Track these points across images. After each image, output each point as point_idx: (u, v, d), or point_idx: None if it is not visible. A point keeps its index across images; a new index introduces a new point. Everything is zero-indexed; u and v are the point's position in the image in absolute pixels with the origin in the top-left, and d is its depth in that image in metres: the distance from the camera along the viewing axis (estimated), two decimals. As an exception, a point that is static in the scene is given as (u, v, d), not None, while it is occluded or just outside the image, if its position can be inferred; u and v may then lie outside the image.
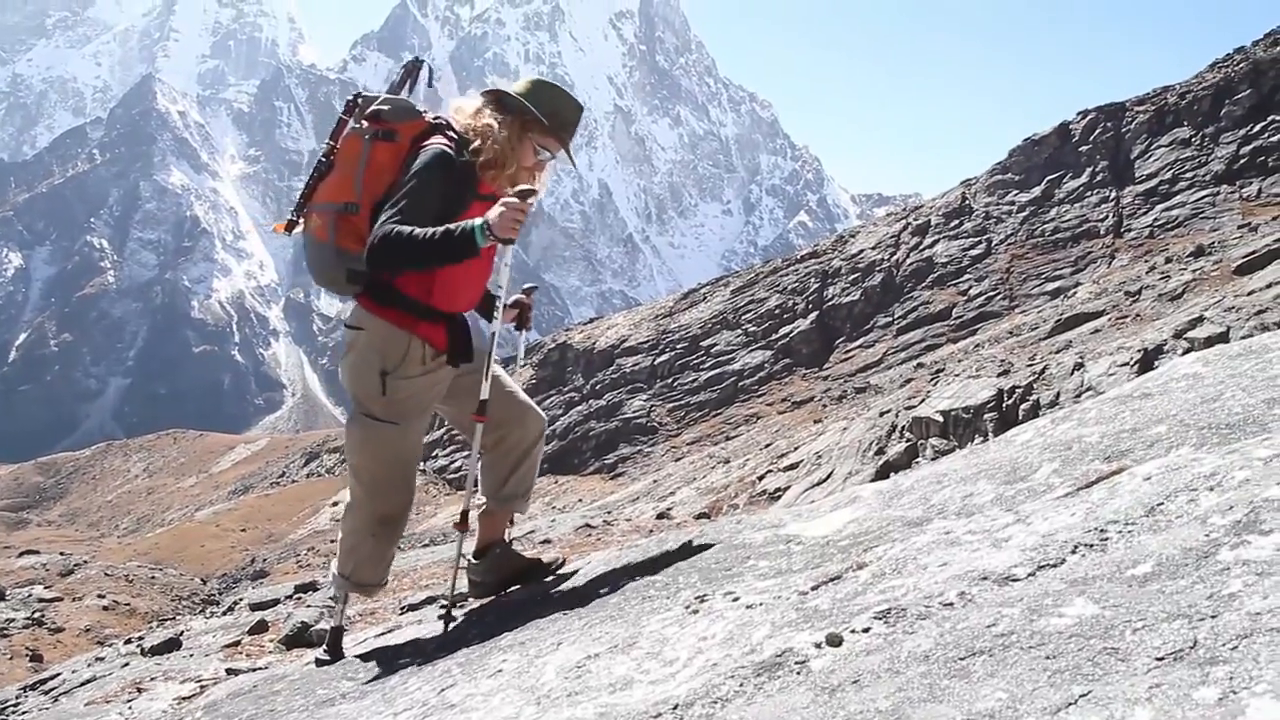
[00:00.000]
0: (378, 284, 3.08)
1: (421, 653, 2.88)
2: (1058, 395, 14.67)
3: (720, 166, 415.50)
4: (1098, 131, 33.03)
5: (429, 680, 2.31)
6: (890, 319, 32.76)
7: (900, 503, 2.35)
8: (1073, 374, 15.13)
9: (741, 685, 1.19)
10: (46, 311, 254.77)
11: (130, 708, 3.90)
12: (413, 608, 5.62)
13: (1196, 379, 2.44)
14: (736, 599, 1.68)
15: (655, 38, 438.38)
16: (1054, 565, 1.16)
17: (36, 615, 13.93)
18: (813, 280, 36.61)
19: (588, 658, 1.64)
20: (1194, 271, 20.20)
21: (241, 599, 8.17)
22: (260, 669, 4.22)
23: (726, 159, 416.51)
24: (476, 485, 3.50)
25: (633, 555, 3.16)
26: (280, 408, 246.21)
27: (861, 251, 36.81)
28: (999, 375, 17.15)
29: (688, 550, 2.77)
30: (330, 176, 3.18)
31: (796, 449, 21.21)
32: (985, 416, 14.98)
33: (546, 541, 11.22)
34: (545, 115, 3.11)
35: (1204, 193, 27.97)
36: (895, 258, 35.27)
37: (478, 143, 3.06)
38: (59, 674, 5.86)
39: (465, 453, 42.30)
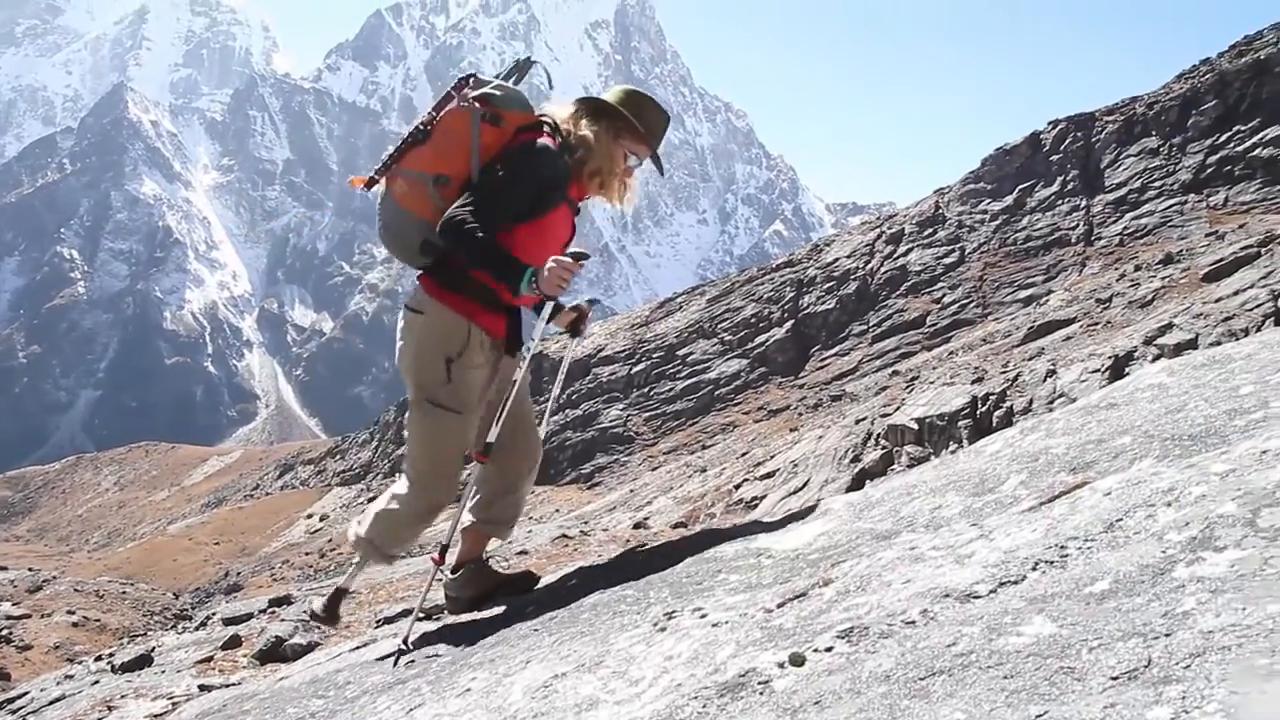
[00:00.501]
0: (446, 264, 3.09)
1: (394, 670, 2.85)
2: (1031, 402, 14.78)
3: (696, 176, 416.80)
4: (1068, 141, 33.43)
5: (399, 699, 2.29)
6: (865, 327, 32.94)
7: (870, 514, 2.36)
8: (1045, 381, 15.25)
9: (704, 706, 1.19)
10: (15, 323, 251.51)
11: (99, 727, 3.85)
12: (388, 620, 5.57)
13: (1162, 389, 2.47)
14: (704, 616, 1.68)
15: (631, 47, 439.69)
16: (1015, 582, 1.16)
17: (4, 633, 13.68)
18: (788, 289, 36.76)
19: (555, 677, 1.63)
20: (1163, 279, 20.44)
21: (214, 613, 8.06)
22: (233, 685, 4.17)
23: (702, 168, 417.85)
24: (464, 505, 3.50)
25: (606, 568, 3.15)
26: (254, 419, 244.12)
27: (836, 260, 37.01)
28: (973, 382, 17.26)
29: (660, 562, 2.76)
30: (425, 146, 3.16)
31: (773, 457, 21.24)
32: (960, 424, 15.06)
33: (523, 552, 11.18)
34: (638, 121, 3.15)
35: (1172, 201, 28.36)
36: (870, 266, 35.49)
37: (581, 152, 3.10)
38: (27, 693, 5.75)
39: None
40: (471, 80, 3.24)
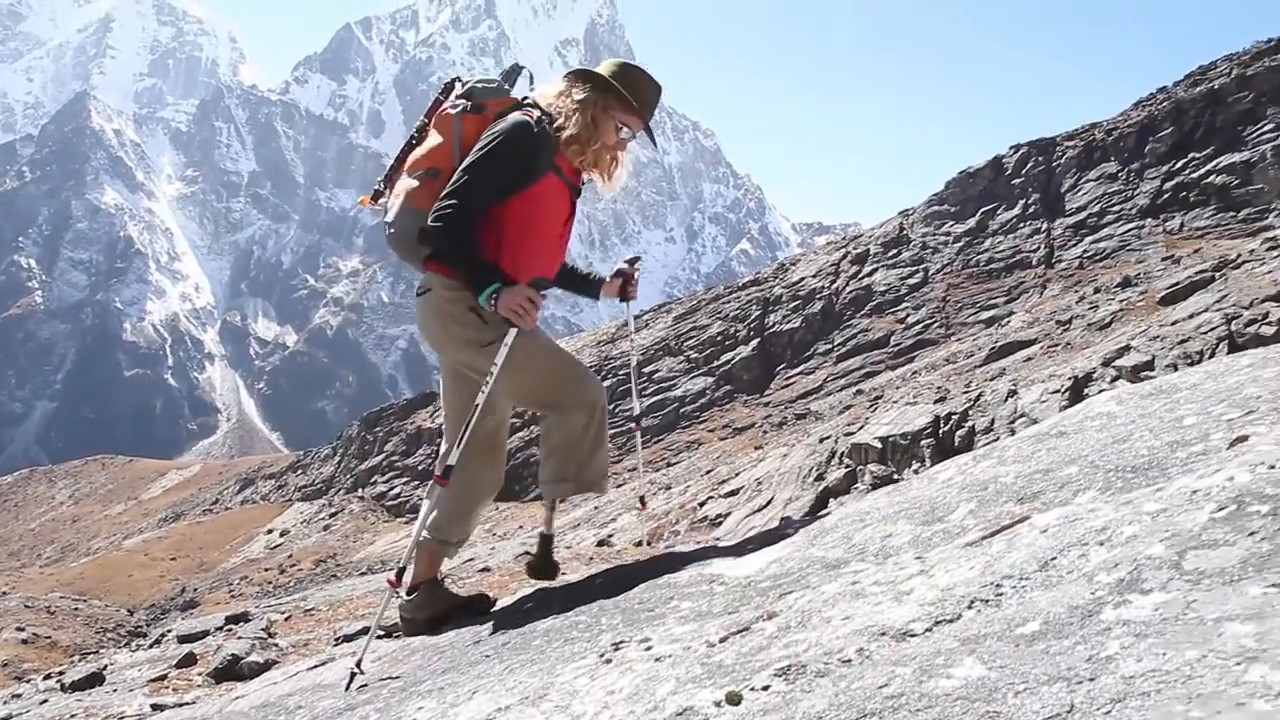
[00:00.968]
0: None
1: (345, 696, 2.82)
2: (992, 422, 14.95)
3: (663, 194, 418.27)
4: (1029, 165, 34.00)
5: (346, 727, 2.26)
6: (830, 346, 33.18)
7: (823, 541, 2.37)
8: (1006, 401, 15.44)
9: (641, 745, 1.18)
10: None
11: (42, 751, 3.76)
12: (347, 638, 5.50)
13: (1110, 419, 2.50)
14: (649, 649, 1.68)
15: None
16: (950, 621, 1.17)
17: (-51, 651, 13.35)
18: (754, 307, 36.96)
19: (499, 710, 1.61)
20: (1121, 302, 20.81)
21: (170, 630, 7.90)
22: (186, 704, 4.09)
23: (670, 186, 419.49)
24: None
25: (564, 591, 3.14)
26: (215, 432, 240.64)
27: (802, 279, 37.28)
28: (936, 402, 17.43)
29: (616, 587, 2.76)
30: (419, 148, 3.29)
31: (737, 475, 21.30)
32: (923, 443, 15.20)
33: (486, 569, 11.13)
34: (627, 92, 3.14)
35: (1130, 226, 28.91)
36: (835, 286, 35.79)
37: (560, 120, 3.10)
38: (-31, 714, 5.60)
39: (404, 478, 41.85)
40: (456, 83, 3.36)
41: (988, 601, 1.18)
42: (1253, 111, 28.07)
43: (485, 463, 3.39)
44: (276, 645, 5.54)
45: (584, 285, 3.58)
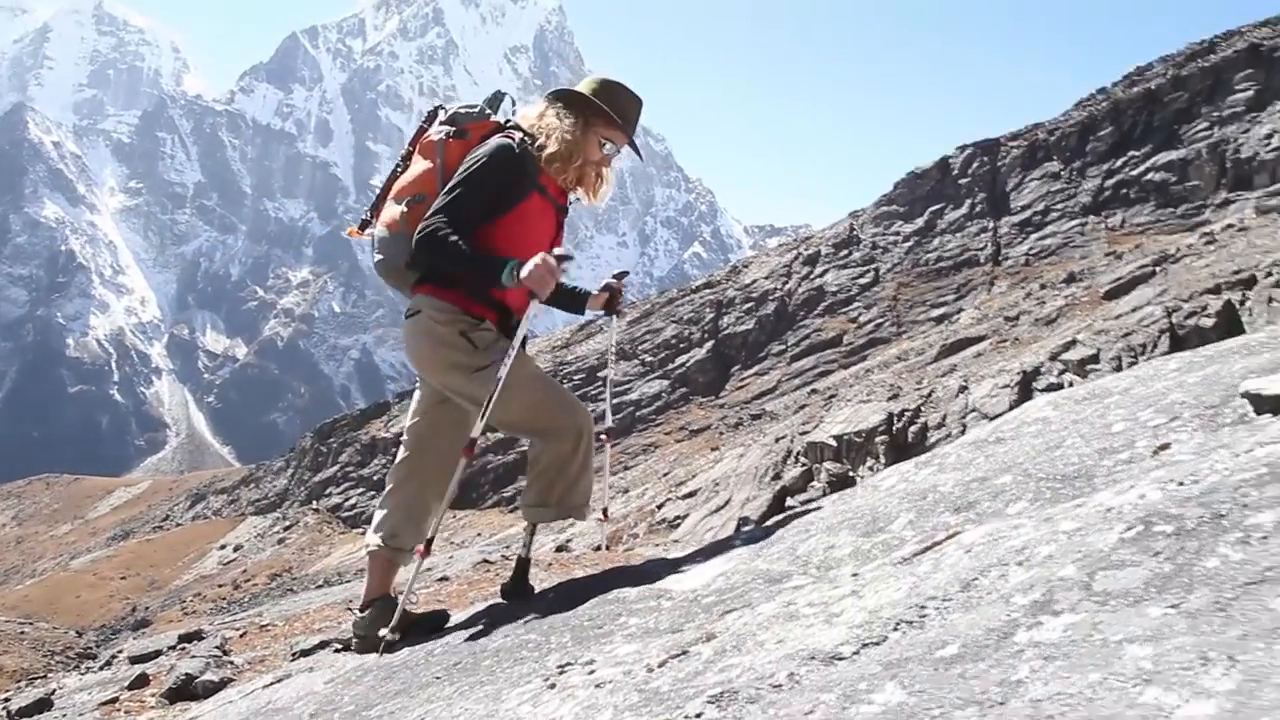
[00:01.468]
0: (435, 271, 3.13)
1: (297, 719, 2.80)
2: (944, 417, 15.21)
3: (615, 199, 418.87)
4: (975, 165, 34.60)
5: (295, 755, 2.24)
6: (784, 347, 33.45)
7: (769, 553, 2.40)
8: (958, 396, 15.72)
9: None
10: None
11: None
12: (305, 653, 5.43)
13: (1045, 424, 2.57)
14: (592, 672, 1.70)
15: (549, 72, 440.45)
16: (876, 644, 1.20)
17: (-112, 683, 12.95)
18: (708, 310, 37.14)
19: (444, 740, 1.63)
20: (1066, 297, 21.25)
21: (121, 651, 7.72)
22: None
23: (621, 191, 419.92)
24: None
25: (517, 605, 3.15)
26: (163, 448, 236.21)
27: (755, 281, 37.55)
28: (889, 399, 17.66)
29: (567, 602, 2.77)
30: (404, 175, 3.30)
31: (694, 477, 21.39)
32: (877, 440, 15.42)
33: (444, 579, 11.02)
34: (608, 108, 3.17)
35: (1073, 223, 29.55)
36: (787, 287, 36.09)
37: (542, 139, 3.12)
38: (-93, 748, 5.45)
39: (360, 489, 41.43)
40: (439, 111, 3.39)
41: (912, 623, 1.21)
42: (1188, 110, 28.85)
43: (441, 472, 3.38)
44: (232, 663, 5.46)
45: (569, 300, 3.58)
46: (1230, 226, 19.38)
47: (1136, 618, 0.96)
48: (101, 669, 7.56)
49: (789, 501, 15.06)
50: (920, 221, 34.80)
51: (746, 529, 3.04)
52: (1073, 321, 18.65)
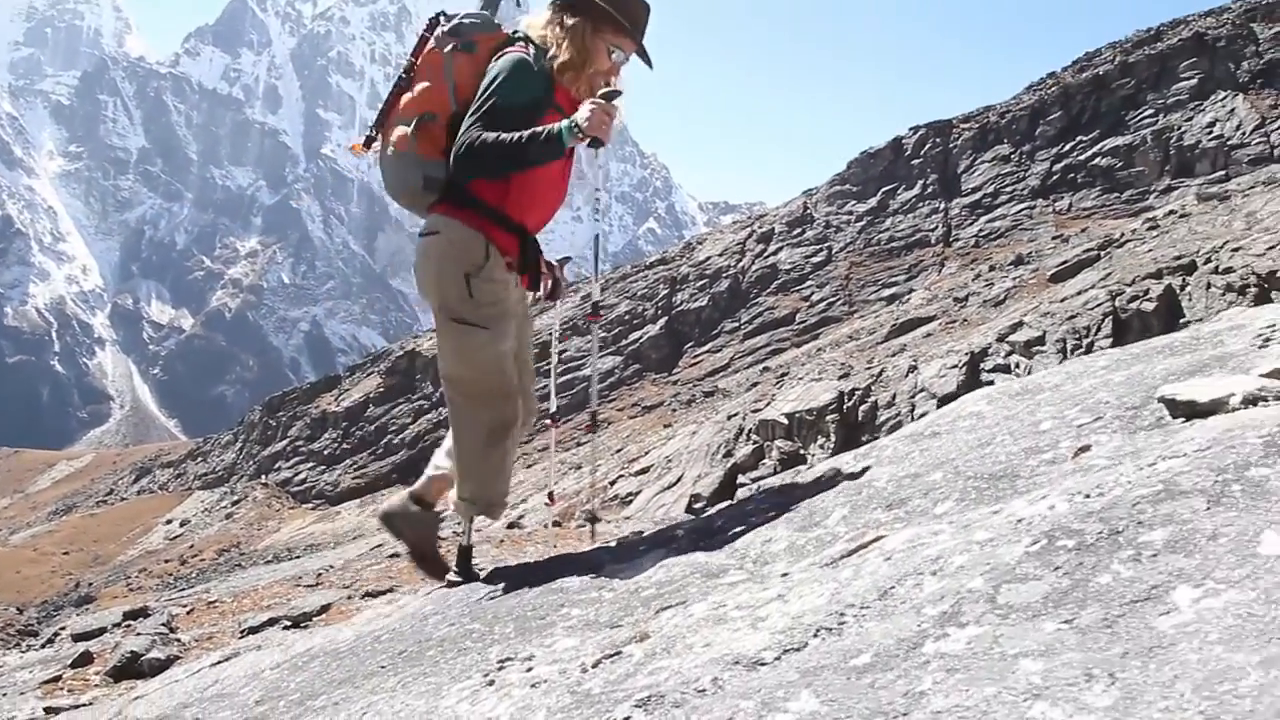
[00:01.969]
0: (453, 189, 3.06)
1: (242, 707, 2.80)
2: (894, 397, 15.42)
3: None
4: (928, 146, 34.92)
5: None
6: (737, 324, 33.64)
7: (710, 543, 2.46)
8: (907, 376, 15.94)
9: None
10: None
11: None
12: (253, 630, 5.40)
13: (979, 419, 2.65)
14: (530, 669, 1.74)
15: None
16: (797, 650, 1.25)
17: None
18: (662, 286, 37.19)
19: (383, 737, 1.66)
20: (1014, 279, 21.60)
21: (64, 628, 7.59)
22: (84, 705, 3.99)
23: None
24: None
25: (462, 594, 3.16)
26: (107, 421, 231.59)
27: (709, 258, 37.64)
28: (840, 378, 17.83)
29: (513, 589, 2.81)
30: (409, 91, 3.18)
31: (647, 454, 21.47)
32: (828, 418, 15.59)
33: (395, 555, 11.00)
34: (616, 12, 3.09)
35: (1022, 206, 30.02)
36: (741, 264, 36.25)
37: (553, 49, 3.05)
38: None
39: (310, 463, 41.00)
40: (441, 18, 3.25)
41: (831, 630, 1.26)
42: (1134, 97, 29.40)
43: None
44: (178, 640, 5.40)
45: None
46: (1173, 213, 19.80)
47: (1033, 632, 1.02)
48: (43, 647, 7.45)
49: (740, 479, 15.20)
50: (873, 201, 35.10)
51: (690, 518, 3.11)
52: (1020, 303, 18.96)
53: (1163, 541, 1.12)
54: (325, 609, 5.78)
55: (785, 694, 1.08)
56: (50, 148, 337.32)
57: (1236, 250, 14.03)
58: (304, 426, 42.76)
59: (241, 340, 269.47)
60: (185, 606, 7.76)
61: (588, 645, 1.71)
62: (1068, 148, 30.08)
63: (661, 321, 35.50)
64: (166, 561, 30.41)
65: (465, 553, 3.48)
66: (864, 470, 2.55)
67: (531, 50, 3.08)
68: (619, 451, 24.75)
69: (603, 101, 2.85)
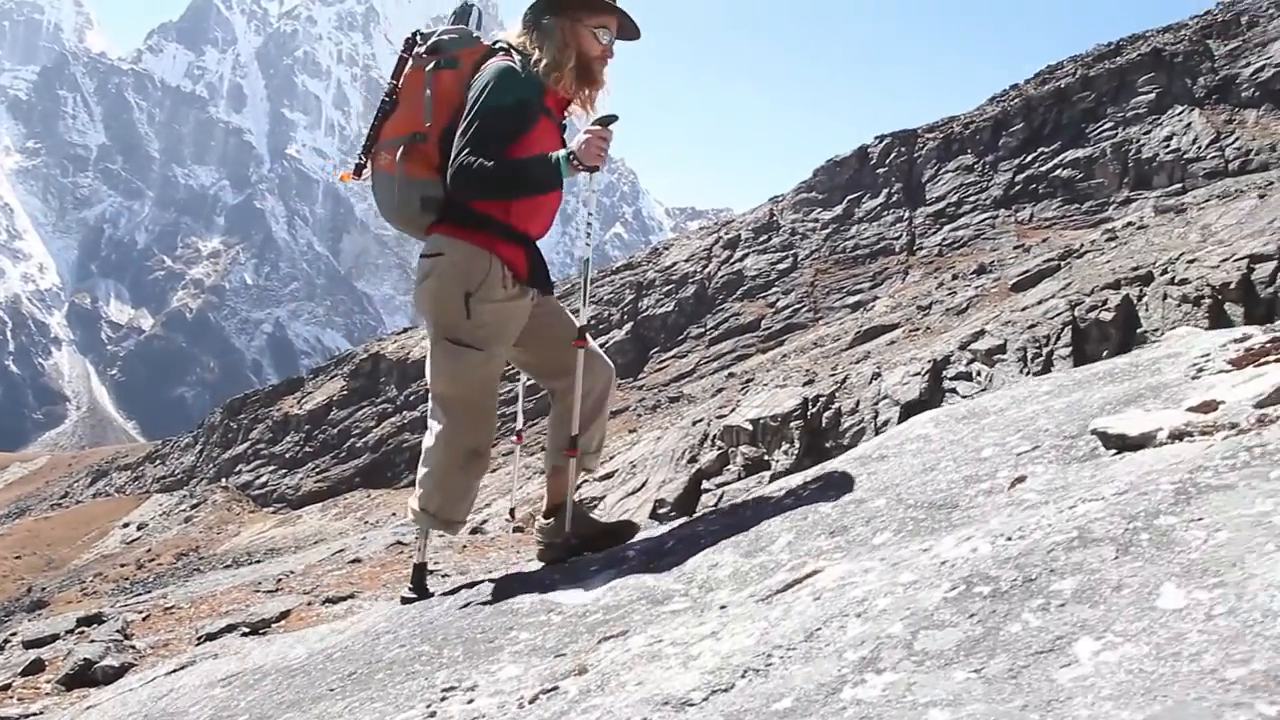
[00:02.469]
0: (454, 209, 3.05)
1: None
2: (858, 403, 15.56)
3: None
4: (893, 155, 35.29)
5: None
6: (703, 330, 33.77)
7: (659, 565, 2.49)
8: (871, 383, 16.08)
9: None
10: None
11: None
12: (210, 637, 5.35)
13: (925, 442, 2.70)
14: (471, 701, 1.76)
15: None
16: (724, 690, 1.28)
17: None
18: (628, 291, 37.24)
19: (325, 767, 1.67)
20: (977, 288, 21.87)
21: (14, 635, 7.44)
22: (34, 714, 3.93)
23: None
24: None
25: (418, 610, 3.16)
26: (63, 422, 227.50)
27: (675, 264, 37.76)
28: (804, 384, 17.92)
29: (462, 608, 2.82)
30: (395, 113, 3.15)
31: (612, 458, 21.46)
32: (792, 424, 15.69)
33: (356, 560, 10.92)
34: None
35: (985, 215, 30.42)
36: (707, 270, 36.39)
37: (535, 54, 3.03)
38: None
39: (271, 466, 40.54)
40: (417, 36, 3.23)
41: (758, 671, 1.29)
42: (1094, 110, 29.92)
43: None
44: (134, 647, 5.34)
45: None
46: (1131, 224, 20.16)
47: (944, 680, 1.05)
48: (-8, 654, 7.32)
49: (705, 485, 15.25)
50: (839, 209, 35.40)
51: (643, 538, 3.14)
52: (982, 312, 19.19)
53: (1071, 591, 1.16)
54: (285, 615, 5.73)
55: (709, 739, 1.11)
56: (7, 143, 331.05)
57: (1192, 262, 14.32)
58: (266, 429, 42.31)
59: (202, 341, 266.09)
60: (141, 612, 7.64)
61: (529, 675, 1.74)
62: (1029, 159, 30.55)
63: (627, 326, 35.55)
64: (123, 566, 29.89)
65: (420, 570, 3.49)
66: (812, 493, 2.59)
67: (516, 58, 3.07)
68: (584, 456, 24.69)
69: (598, 129, 2.88)
